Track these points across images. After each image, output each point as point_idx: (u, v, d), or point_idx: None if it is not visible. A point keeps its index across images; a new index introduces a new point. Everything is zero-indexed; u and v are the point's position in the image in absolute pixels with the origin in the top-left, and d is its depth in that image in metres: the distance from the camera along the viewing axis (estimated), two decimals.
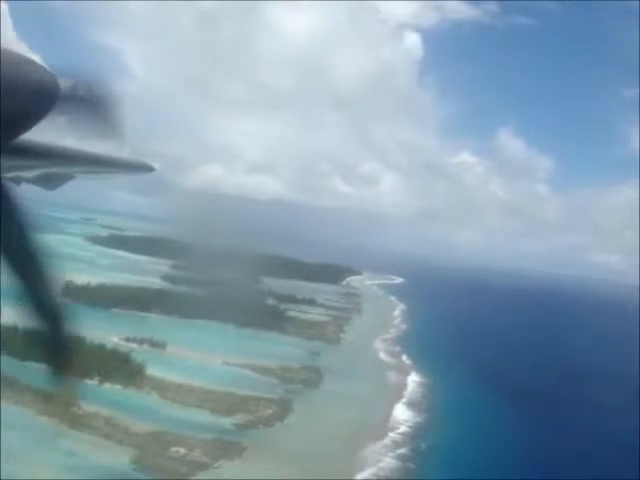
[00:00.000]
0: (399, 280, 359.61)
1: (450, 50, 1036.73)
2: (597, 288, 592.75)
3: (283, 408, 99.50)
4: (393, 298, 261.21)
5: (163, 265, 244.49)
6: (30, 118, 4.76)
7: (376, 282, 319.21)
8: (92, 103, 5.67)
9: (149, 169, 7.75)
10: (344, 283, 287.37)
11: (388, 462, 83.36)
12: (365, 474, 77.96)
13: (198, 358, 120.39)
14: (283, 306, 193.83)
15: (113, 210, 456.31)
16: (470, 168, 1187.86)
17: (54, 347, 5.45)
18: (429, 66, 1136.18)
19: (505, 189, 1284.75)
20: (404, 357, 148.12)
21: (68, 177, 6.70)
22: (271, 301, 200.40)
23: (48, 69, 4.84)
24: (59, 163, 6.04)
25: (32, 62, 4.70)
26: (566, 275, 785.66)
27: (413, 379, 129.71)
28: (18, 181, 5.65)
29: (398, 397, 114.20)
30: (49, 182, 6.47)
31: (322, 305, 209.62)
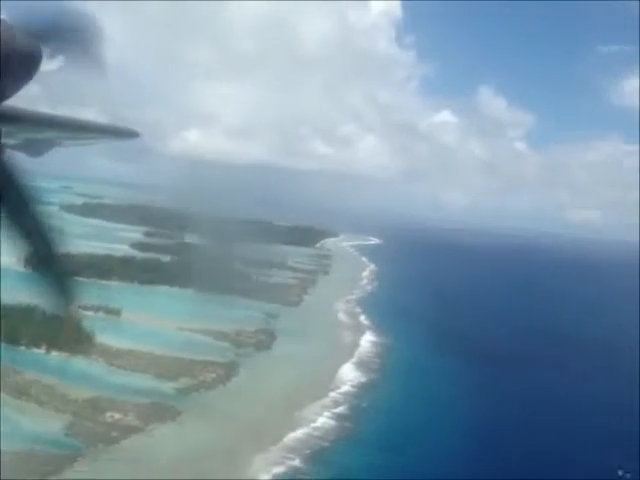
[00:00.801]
0: (376, 241, 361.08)
1: (430, 10, 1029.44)
2: (577, 246, 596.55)
3: (228, 371, 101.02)
4: (365, 259, 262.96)
5: (135, 232, 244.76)
6: (14, 84, 5.01)
7: (352, 244, 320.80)
8: (75, 34, 5.87)
9: (134, 135, 7.78)
10: (318, 245, 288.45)
11: (323, 422, 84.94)
12: (297, 434, 79.50)
13: (153, 324, 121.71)
14: (250, 270, 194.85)
15: (93, 178, 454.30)
16: (450, 128, 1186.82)
17: (48, 266, 5.85)
18: (408, 26, 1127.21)
19: (485, 148, 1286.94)
20: (362, 317, 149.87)
21: (53, 144, 6.77)
22: (238, 265, 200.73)
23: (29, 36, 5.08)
24: (43, 129, 6.09)
25: (12, 28, 4.94)
26: (547, 233, 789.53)
27: (368, 339, 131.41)
28: (2, 148, 5.77)
29: (348, 357, 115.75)
30: (34, 149, 6.54)
31: (291, 268, 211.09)
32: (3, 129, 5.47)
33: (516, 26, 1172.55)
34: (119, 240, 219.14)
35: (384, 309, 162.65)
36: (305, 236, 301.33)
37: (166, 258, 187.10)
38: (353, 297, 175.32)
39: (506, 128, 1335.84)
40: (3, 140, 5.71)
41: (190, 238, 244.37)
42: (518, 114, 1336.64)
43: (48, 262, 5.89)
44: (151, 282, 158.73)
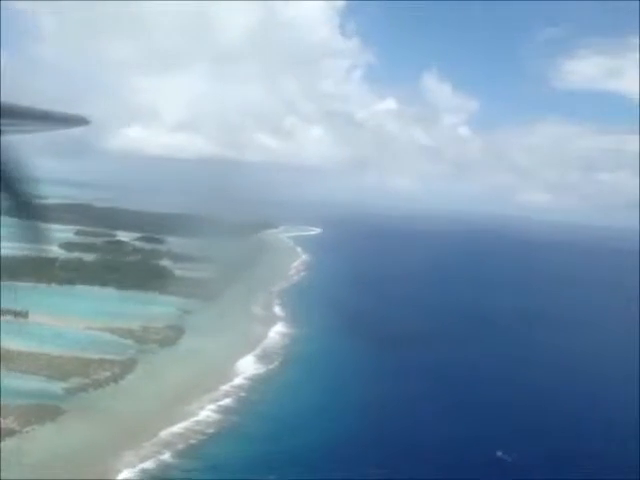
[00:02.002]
0: (316, 231, 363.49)
1: None
2: (523, 226, 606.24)
3: (124, 369, 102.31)
4: (299, 250, 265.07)
5: (67, 232, 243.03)
6: None
7: (291, 235, 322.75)
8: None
9: (83, 122, 7.75)
10: (254, 238, 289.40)
11: (206, 415, 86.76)
12: (175, 428, 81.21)
13: (60, 325, 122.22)
14: (177, 265, 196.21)
15: (36, 178, 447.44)
16: (396, 115, 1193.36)
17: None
18: (351, 14, 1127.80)
19: (431, 134, 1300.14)
20: (278, 309, 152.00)
21: (2, 131, 6.56)
22: (166, 261, 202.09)
23: None
24: None
25: None
26: (498, 215, 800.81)
27: (277, 330, 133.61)
28: None
29: (251, 349, 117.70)
30: None
31: (216, 262, 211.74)
32: None
33: (459, 12, 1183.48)
34: (49, 240, 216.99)
35: (304, 300, 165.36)
36: (243, 229, 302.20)
37: (90, 257, 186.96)
38: (276, 289, 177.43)
39: (451, 113, 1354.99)
40: None
41: (122, 236, 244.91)
42: (462, 99, 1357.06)
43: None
44: (71, 282, 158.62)
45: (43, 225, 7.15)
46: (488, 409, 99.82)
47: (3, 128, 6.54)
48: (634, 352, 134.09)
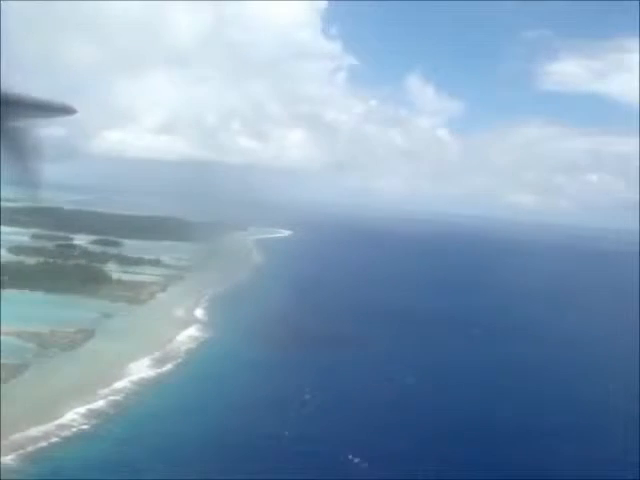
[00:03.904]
0: (286, 233, 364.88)
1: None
2: (507, 228, 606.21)
3: (11, 373, 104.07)
4: (256, 253, 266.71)
5: (24, 235, 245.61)
6: None
7: (257, 237, 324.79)
8: None
9: (70, 111, 7.83)
10: (216, 241, 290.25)
11: (71, 418, 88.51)
12: (32, 431, 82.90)
13: None
14: (121, 269, 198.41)
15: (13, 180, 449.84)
16: (379, 117, 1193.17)
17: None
18: (333, 17, 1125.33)
19: (414, 136, 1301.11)
20: (200, 313, 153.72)
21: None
22: (111, 265, 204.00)
23: None
24: None
25: None
26: (482, 217, 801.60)
27: (188, 334, 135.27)
28: None
29: (151, 352, 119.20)
30: None
31: (164, 265, 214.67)
32: None
33: (443, 13, 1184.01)
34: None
35: (233, 304, 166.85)
36: (209, 231, 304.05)
37: (32, 261, 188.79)
38: (212, 293, 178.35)
39: (433, 115, 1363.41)
40: None
41: (80, 239, 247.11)
42: (445, 101, 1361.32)
43: None
44: (1, 286, 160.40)
45: None
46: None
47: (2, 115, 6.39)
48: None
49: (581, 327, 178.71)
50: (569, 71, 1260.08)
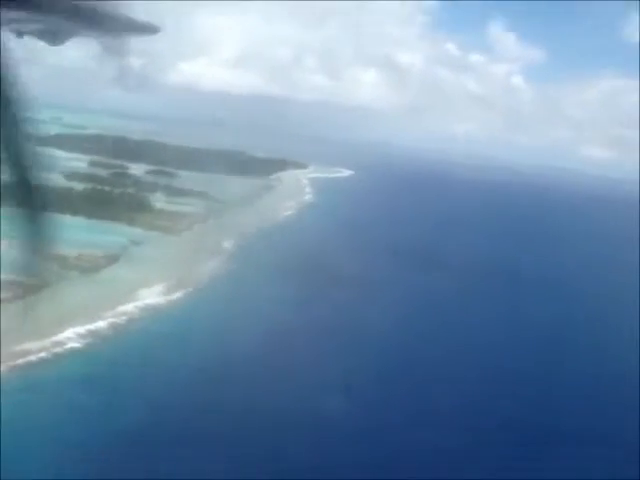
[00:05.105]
0: (347, 173, 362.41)
1: None
2: (580, 181, 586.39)
3: (25, 292, 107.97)
4: (309, 191, 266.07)
5: (82, 162, 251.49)
6: None
7: (315, 176, 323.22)
8: None
9: (154, 30, 7.50)
10: (273, 177, 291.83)
11: (66, 337, 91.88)
12: (25, 345, 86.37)
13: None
14: (168, 199, 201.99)
15: (93, 109, 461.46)
16: (456, 61, 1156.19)
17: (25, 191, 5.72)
18: None
19: (491, 82, 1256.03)
20: (229, 245, 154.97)
21: (72, 33, 6.62)
22: (158, 195, 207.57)
23: None
24: (62, 16, 5.95)
25: None
26: (554, 168, 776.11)
27: (212, 265, 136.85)
28: (20, 34, 5.67)
29: (166, 280, 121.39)
30: (53, 36, 6.40)
31: (214, 198, 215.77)
32: (17, 14, 5.36)
33: None
34: (58, 169, 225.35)
35: (269, 241, 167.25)
36: (267, 167, 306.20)
37: (82, 187, 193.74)
38: (249, 228, 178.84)
39: (514, 63, 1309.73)
40: (19, 26, 5.61)
41: (136, 169, 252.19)
42: (528, 50, 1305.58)
43: (25, 193, 5.59)
44: (44, 210, 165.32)
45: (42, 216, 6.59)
46: None
47: (71, 30, 6.52)
48: None
49: None
50: None
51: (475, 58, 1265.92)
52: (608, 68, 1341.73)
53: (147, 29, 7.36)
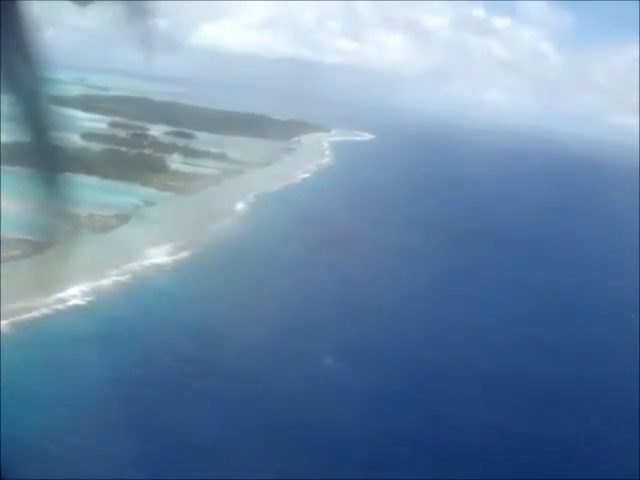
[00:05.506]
0: (369, 137, 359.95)
1: None
2: (611, 152, 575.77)
3: (34, 250, 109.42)
4: (329, 154, 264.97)
5: (102, 122, 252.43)
6: None
7: (336, 139, 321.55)
8: None
9: None
10: (294, 139, 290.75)
11: (72, 294, 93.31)
12: (22, 303, 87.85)
13: (11, 207, 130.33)
14: (185, 160, 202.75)
15: (118, 70, 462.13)
16: (484, 25, 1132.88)
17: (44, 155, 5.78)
18: None
19: (519, 47, 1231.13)
20: (241, 207, 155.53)
21: None
22: (176, 156, 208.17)
23: None
24: None
25: None
26: (584, 137, 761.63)
27: (222, 226, 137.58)
28: None
29: (175, 240, 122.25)
30: None
31: (231, 160, 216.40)
32: None
33: None
34: (76, 129, 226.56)
35: (282, 203, 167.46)
36: (288, 129, 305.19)
37: (99, 148, 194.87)
38: (264, 190, 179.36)
39: (544, 28, 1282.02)
40: None
41: (156, 130, 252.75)
42: (558, 14, 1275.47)
43: (41, 154, 5.65)
44: (60, 170, 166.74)
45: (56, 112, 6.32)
46: None
47: None
48: None
49: None
50: None
51: (503, 22, 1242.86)
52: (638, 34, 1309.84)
53: None
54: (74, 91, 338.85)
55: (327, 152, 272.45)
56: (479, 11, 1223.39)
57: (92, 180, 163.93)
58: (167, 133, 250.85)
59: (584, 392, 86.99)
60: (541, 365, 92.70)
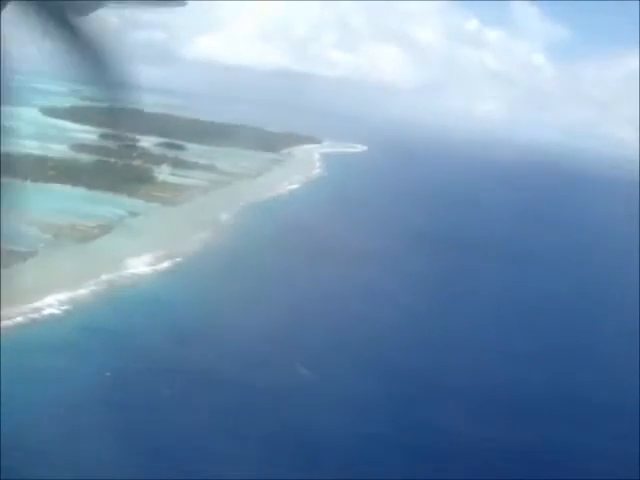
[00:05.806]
0: (361, 149, 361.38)
1: None
2: (599, 161, 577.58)
3: (14, 260, 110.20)
4: (319, 166, 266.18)
5: (93, 134, 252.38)
6: None
7: (327, 151, 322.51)
8: None
9: (181, 2, 7.67)
10: (284, 151, 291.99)
11: (48, 304, 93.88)
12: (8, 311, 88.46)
13: None
14: (173, 172, 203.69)
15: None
16: (477, 38, 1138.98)
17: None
18: None
19: (512, 59, 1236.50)
20: (226, 218, 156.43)
21: (99, 3, 6.57)
22: (164, 167, 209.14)
23: None
24: None
25: None
26: (573, 147, 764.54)
27: (203, 236, 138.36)
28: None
29: (155, 250, 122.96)
30: (79, 7, 6.31)
31: (219, 171, 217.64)
32: None
33: None
34: (66, 141, 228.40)
35: (267, 214, 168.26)
36: (280, 141, 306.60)
37: (88, 159, 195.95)
38: (250, 201, 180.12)
39: (537, 40, 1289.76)
40: None
41: (146, 141, 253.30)
42: (551, 27, 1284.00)
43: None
44: (47, 180, 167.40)
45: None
46: None
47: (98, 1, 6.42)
48: None
49: None
50: None
51: (496, 35, 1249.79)
52: (631, 47, 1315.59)
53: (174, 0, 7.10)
54: (67, 103, 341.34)
55: (318, 163, 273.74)
56: (472, 23, 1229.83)
57: (79, 191, 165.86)
58: (158, 144, 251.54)
59: (561, 405, 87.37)
60: (524, 375, 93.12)
